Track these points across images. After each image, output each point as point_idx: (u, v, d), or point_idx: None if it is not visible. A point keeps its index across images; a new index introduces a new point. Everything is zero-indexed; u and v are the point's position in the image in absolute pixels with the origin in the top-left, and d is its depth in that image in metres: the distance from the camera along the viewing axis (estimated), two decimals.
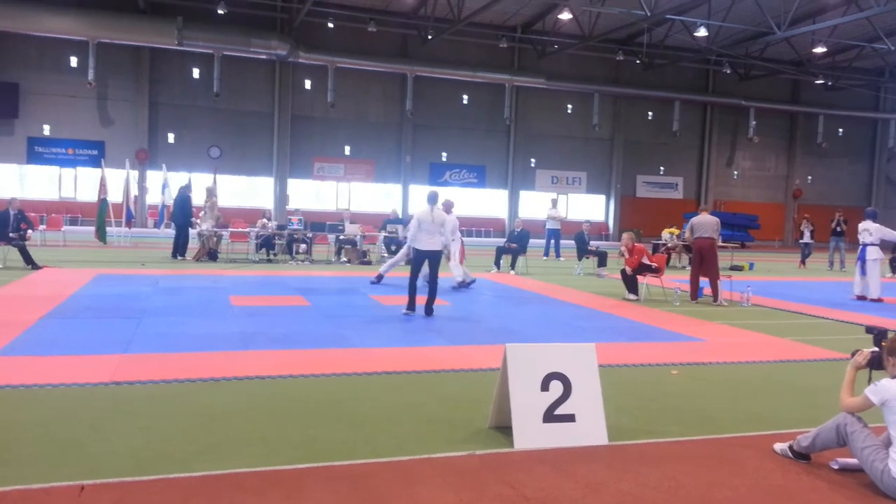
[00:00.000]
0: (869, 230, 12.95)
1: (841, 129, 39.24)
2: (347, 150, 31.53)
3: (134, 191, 22.60)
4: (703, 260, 11.77)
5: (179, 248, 16.17)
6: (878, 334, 4.24)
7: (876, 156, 40.36)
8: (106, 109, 28.43)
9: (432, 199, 9.28)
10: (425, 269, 9.30)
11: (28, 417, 4.46)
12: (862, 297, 12.81)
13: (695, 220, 12.05)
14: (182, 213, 16.54)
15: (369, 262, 16.88)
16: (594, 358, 4.52)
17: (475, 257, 19.21)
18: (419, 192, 32.45)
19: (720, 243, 11.67)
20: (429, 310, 9.16)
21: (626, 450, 4.29)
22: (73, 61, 27.60)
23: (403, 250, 12.95)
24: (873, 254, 12.80)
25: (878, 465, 3.71)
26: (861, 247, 12.93)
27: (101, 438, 4.12)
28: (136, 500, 3.30)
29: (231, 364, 6.12)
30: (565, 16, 27.26)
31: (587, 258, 17.01)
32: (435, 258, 9.17)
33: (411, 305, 9.12)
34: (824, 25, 25.84)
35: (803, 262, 21.21)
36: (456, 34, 29.55)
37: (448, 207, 12.61)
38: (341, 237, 17.39)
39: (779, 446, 4.31)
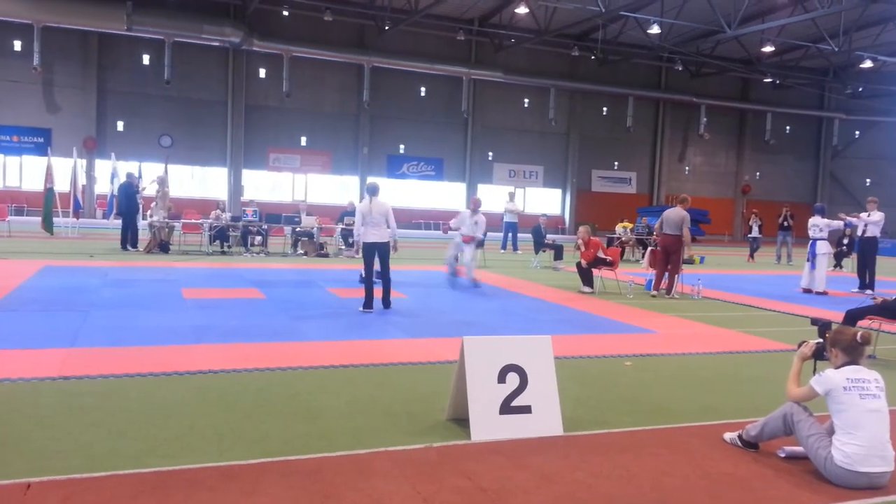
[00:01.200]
0: (818, 225, 13.39)
1: (788, 127, 40.37)
2: (304, 140, 31.19)
3: (82, 180, 22.00)
4: (667, 255, 11.87)
5: (129, 239, 15.79)
6: (823, 326, 4.38)
7: (821, 153, 41.64)
8: (52, 96, 27.56)
9: (372, 190, 9.01)
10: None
11: None
12: (808, 290, 13.21)
13: (665, 213, 12.06)
14: (128, 203, 16.15)
15: (326, 255, 16.75)
16: (550, 350, 4.56)
17: (434, 250, 19.22)
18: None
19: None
20: (386, 302, 9.07)
21: (581, 440, 4.35)
22: (17, 45, 26.67)
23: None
24: (823, 248, 13.23)
25: (822, 453, 3.83)
26: (811, 241, 13.33)
27: (48, 435, 4.00)
28: (85, 497, 3.22)
29: (183, 358, 6.01)
30: (522, 10, 27.38)
31: (544, 251, 17.17)
32: (383, 250, 8.97)
33: (368, 304, 8.84)
34: (772, 25, 26.53)
35: (752, 255, 21.78)
36: (413, 25, 29.43)
37: (476, 206, 12.37)
38: (297, 229, 17.21)
39: (728, 435, 4.42)
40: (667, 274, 11.84)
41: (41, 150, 25.64)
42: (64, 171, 21.91)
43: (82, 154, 25.82)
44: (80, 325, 7.16)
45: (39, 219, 19.29)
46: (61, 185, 20.33)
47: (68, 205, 19.97)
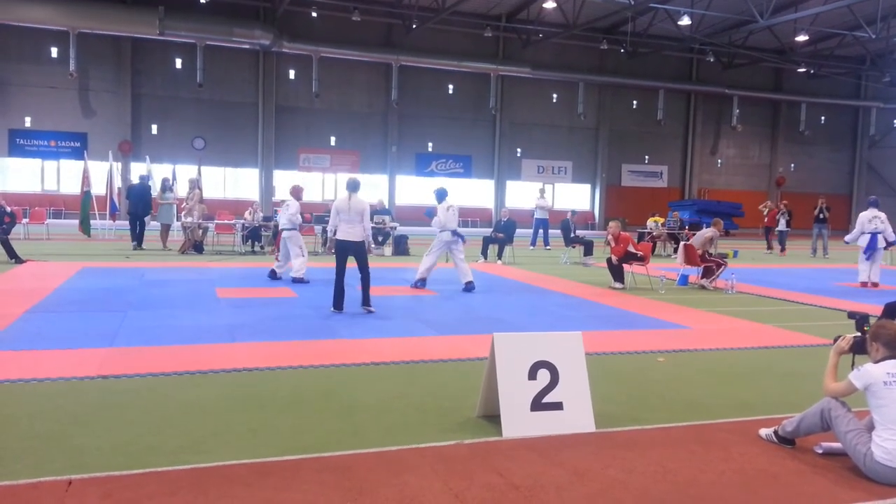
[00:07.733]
0: (880, 217, 13.10)
1: (823, 117, 39.52)
2: (333, 140, 31.37)
3: (117, 183, 22.40)
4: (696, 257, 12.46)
5: (138, 237, 16.20)
6: (860, 320, 4.30)
7: (858, 143, 40.69)
8: (88, 101, 28.09)
9: (352, 186, 8.80)
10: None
11: (14, 412, 4.43)
12: (864, 284, 12.91)
13: (698, 234, 13.52)
14: (143, 204, 16.51)
15: None
16: (581, 346, 4.54)
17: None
18: (406, 183, 32.42)
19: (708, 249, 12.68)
20: (365, 299, 8.68)
21: (614, 436, 4.32)
22: (54, 52, 27.22)
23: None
24: (882, 241, 13.07)
25: (861, 449, 3.76)
26: (871, 235, 13.01)
27: (88, 433, 4.10)
28: (125, 493, 3.29)
29: (218, 356, 6.10)
30: (549, 4, 27.19)
31: (573, 247, 17.06)
32: (359, 249, 8.63)
33: (337, 304, 8.52)
34: (806, 14, 25.96)
35: (783, 249, 21.39)
36: (440, 23, 29.41)
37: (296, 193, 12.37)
38: (328, 228, 17.33)
39: (764, 431, 4.36)
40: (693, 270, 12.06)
41: (78, 154, 26.14)
42: (100, 174, 22.33)
43: (118, 157, 26.27)
44: (118, 325, 7.31)
45: (77, 221, 19.70)
46: (98, 189, 20.72)
47: (105, 207, 20.36)
